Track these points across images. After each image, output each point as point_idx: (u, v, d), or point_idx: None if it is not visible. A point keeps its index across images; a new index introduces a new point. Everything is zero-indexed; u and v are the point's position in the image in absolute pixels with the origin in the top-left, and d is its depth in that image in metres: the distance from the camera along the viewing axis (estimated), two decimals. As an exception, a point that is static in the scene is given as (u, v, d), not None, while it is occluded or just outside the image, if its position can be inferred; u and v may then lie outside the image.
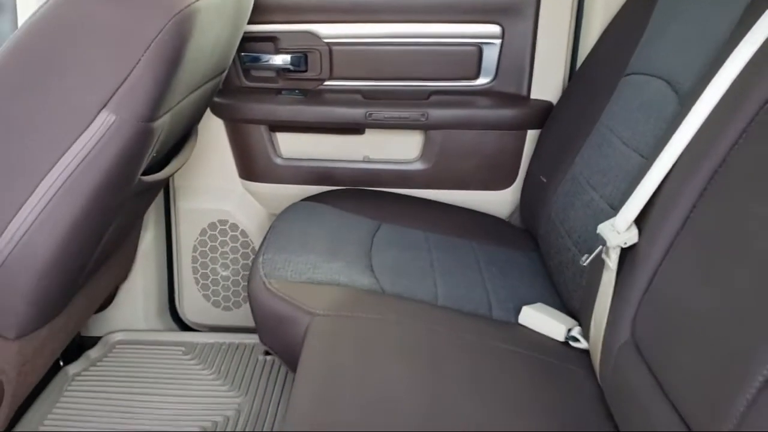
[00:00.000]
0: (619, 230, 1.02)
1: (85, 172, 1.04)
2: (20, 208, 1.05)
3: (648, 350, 0.90)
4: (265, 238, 1.45)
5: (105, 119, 1.01)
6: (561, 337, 1.20)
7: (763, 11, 0.96)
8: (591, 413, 1.00)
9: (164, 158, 1.42)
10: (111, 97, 1.01)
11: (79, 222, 1.09)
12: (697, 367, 0.78)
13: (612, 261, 1.03)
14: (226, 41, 1.36)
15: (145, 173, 1.25)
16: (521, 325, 1.24)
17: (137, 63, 1.00)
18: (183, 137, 1.52)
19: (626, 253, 1.02)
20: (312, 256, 1.34)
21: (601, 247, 1.05)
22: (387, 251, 1.42)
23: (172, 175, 1.42)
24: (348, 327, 1.11)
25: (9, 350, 1.17)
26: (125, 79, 1.01)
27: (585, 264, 1.06)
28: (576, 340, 1.19)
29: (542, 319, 1.22)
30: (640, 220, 1.01)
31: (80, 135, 1.01)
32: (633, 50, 1.40)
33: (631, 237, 1.00)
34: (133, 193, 1.21)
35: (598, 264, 1.08)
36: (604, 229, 1.05)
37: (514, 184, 1.77)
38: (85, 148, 1.02)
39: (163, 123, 1.13)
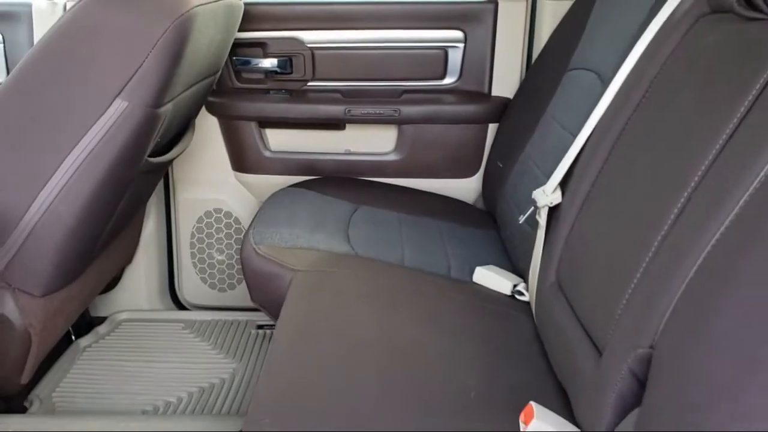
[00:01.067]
0: (547, 193, 1.23)
1: (103, 150, 1.24)
2: (47, 182, 1.25)
3: (566, 285, 1.11)
4: (255, 216, 1.65)
5: (119, 105, 1.22)
6: (508, 291, 1.40)
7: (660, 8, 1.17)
8: (524, 342, 1.20)
9: (167, 146, 1.63)
10: (124, 87, 1.22)
11: (97, 194, 1.29)
12: (593, 288, 0.98)
13: (542, 219, 1.24)
14: (218, 44, 1.57)
15: (150, 156, 1.45)
16: (475, 283, 1.44)
17: (146, 58, 1.21)
18: (182, 129, 1.72)
19: (553, 212, 1.23)
20: (296, 230, 1.55)
21: (532, 208, 1.26)
22: (362, 227, 1.63)
23: (173, 159, 1.63)
24: (325, 280, 1.31)
25: (36, 306, 1.36)
26: (135, 72, 1.22)
27: (521, 222, 1.27)
28: (521, 294, 1.39)
29: (492, 277, 1.43)
30: (564, 184, 1.22)
31: (98, 118, 1.22)
32: (574, 49, 1.62)
33: (556, 197, 1.21)
34: (141, 171, 1.42)
35: (534, 224, 1.29)
36: (536, 193, 1.26)
37: (478, 173, 1.98)
38: (103, 130, 1.23)
39: (166, 110, 1.34)
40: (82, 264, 1.43)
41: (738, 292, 0.66)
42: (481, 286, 1.43)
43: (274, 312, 1.40)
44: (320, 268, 1.36)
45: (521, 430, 0.92)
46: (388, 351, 1.11)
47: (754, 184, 0.72)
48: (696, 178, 0.83)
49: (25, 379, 1.43)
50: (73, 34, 1.23)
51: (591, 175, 1.14)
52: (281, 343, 1.13)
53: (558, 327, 1.09)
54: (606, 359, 0.88)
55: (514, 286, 1.40)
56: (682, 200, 0.84)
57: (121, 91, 1.22)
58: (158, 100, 1.27)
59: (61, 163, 1.24)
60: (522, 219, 1.27)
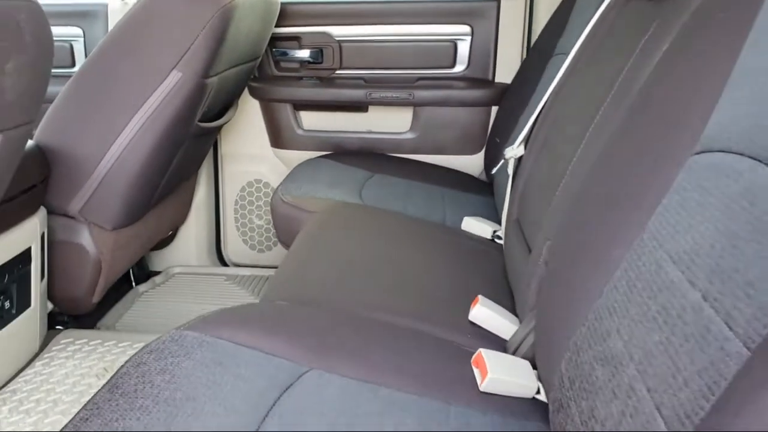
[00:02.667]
0: (514, 148, 1.51)
1: (162, 112, 1.58)
2: (118, 137, 1.59)
3: (521, 218, 1.39)
4: (286, 176, 1.97)
5: (175, 76, 1.55)
6: (488, 235, 1.68)
7: None
8: (493, 269, 1.47)
9: (215, 118, 1.96)
10: (179, 61, 1.55)
11: (156, 148, 1.63)
12: (532, 210, 1.26)
13: (510, 170, 1.52)
14: (257, 34, 1.90)
15: (200, 122, 1.79)
16: (463, 230, 1.72)
17: (196, 38, 1.54)
18: (227, 105, 2.06)
19: (518, 163, 1.51)
20: (316, 185, 1.86)
21: (503, 161, 1.54)
22: (374, 188, 1.93)
23: (219, 127, 1.96)
24: (336, 218, 1.61)
25: (106, 239, 1.71)
26: (188, 49, 1.55)
27: (493, 173, 1.55)
28: (499, 238, 1.67)
29: (477, 225, 1.71)
30: (528, 140, 1.50)
31: (158, 86, 1.56)
32: (559, 38, 1.89)
33: (520, 151, 1.49)
34: (192, 135, 1.75)
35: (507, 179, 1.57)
36: (507, 150, 1.54)
37: (483, 150, 2.26)
38: (162, 95, 1.56)
39: (212, 82, 1.67)
40: (143, 207, 1.77)
41: (606, 188, 0.94)
42: (468, 232, 1.71)
43: (295, 249, 1.71)
44: (333, 211, 1.66)
45: (470, 314, 1.20)
46: (381, 263, 1.40)
47: (623, 115, 1.00)
48: (594, 123, 1.11)
49: (96, 299, 1.77)
50: (140, 20, 1.57)
51: (543, 130, 1.41)
52: (293, 253, 1.43)
53: (512, 251, 1.37)
54: (531, 256, 1.16)
55: (494, 231, 1.68)
56: (586, 137, 1.12)
57: (177, 64, 1.56)
58: (206, 72, 1.60)
59: (129, 121, 1.58)
60: (494, 170, 1.55)
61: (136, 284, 2.26)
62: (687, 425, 0.57)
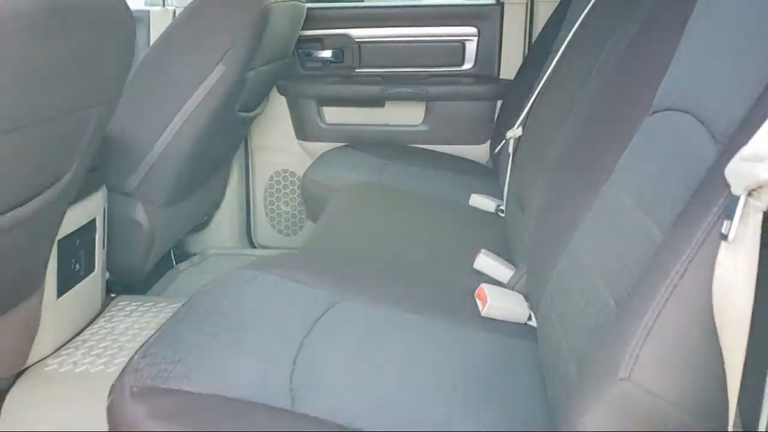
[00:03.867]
0: (514, 129, 1.74)
1: (208, 100, 1.82)
2: (170, 122, 1.84)
3: (519, 188, 1.62)
4: (313, 162, 2.22)
5: (220, 69, 1.80)
6: (493, 209, 1.90)
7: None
8: (494, 236, 1.70)
9: (250, 110, 2.22)
10: (223, 56, 1.80)
11: (202, 133, 1.87)
12: (527, 176, 1.49)
13: (510, 149, 1.75)
14: (287, 34, 2.14)
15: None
16: (470, 206, 1.95)
17: (239, 37, 1.79)
18: (260, 99, 2.31)
19: (517, 143, 1.74)
20: (340, 170, 2.10)
21: (504, 141, 1.78)
22: (390, 173, 2.16)
23: (255, 116, 2.21)
24: (358, 195, 1.85)
25: (158, 215, 1.95)
26: (231, 46, 1.80)
27: (495, 152, 1.79)
28: (502, 211, 1.89)
29: (483, 201, 1.93)
30: (525, 123, 1.73)
31: (206, 78, 1.80)
32: (555, 36, 2.12)
33: (518, 132, 1.72)
34: (232, 122, 2.00)
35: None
36: (508, 132, 1.78)
37: (489, 140, 2.49)
38: (209, 86, 1.81)
39: (250, 75, 1.92)
40: (190, 187, 2.02)
41: (581, 153, 1.17)
42: (475, 206, 1.94)
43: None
44: (354, 190, 1.90)
45: (474, 262, 1.43)
46: (397, 228, 1.64)
47: (594, 92, 1.23)
48: (573, 104, 1.34)
49: (147, 268, 2.01)
50: (189, 21, 1.82)
51: (537, 114, 1.65)
52: (323, 222, 1.67)
53: (510, 216, 1.60)
54: (524, 215, 1.39)
55: (497, 206, 1.91)
56: (568, 117, 1.35)
57: (221, 59, 1.80)
58: (246, 66, 1.85)
59: (180, 109, 1.83)
60: (497, 149, 1.79)
61: (177, 263, 2.50)
62: (626, 296, 0.80)
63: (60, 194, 1.32)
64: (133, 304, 1.94)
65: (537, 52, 2.23)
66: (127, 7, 1.18)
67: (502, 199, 2.02)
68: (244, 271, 1.26)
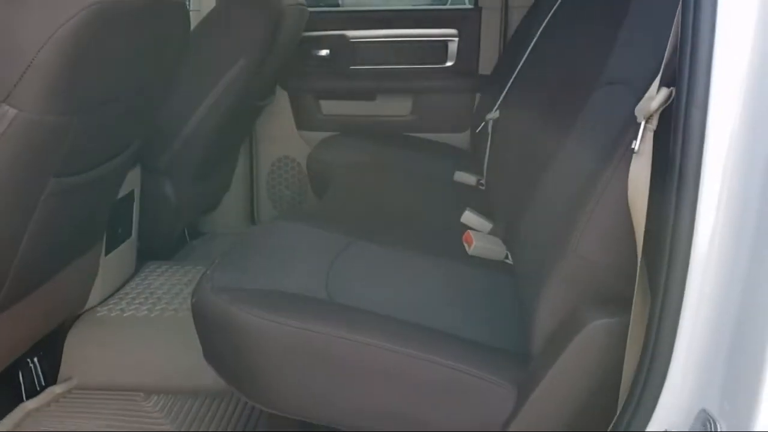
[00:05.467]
0: (492, 112, 2.06)
1: (230, 89, 2.12)
2: (198, 108, 2.12)
3: (496, 162, 1.94)
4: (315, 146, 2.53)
5: (241, 62, 2.10)
6: (474, 183, 2.22)
7: None
8: (480, 201, 2.01)
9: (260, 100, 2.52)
10: (244, 51, 2.10)
11: (224, 118, 2.17)
12: (502, 150, 1.81)
13: (489, 130, 2.07)
14: (293, 33, 2.45)
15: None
16: (455, 181, 2.26)
17: (258, 34, 2.09)
18: (268, 93, 2.61)
19: (495, 124, 2.06)
20: (339, 151, 2.41)
21: (483, 123, 2.10)
22: (383, 156, 2.47)
23: (265, 105, 2.51)
24: (356, 172, 2.16)
25: (185, 192, 2.23)
26: (251, 42, 2.10)
27: (477, 132, 2.11)
28: (482, 184, 2.21)
29: (465, 176, 2.25)
30: (501, 106, 2.05)
31: (229, 69, 2.10)
32: (527, 36, 2.44)
33: (497, 114, 2.04)
34: (246, 110, 2.29)
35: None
36: (488, 115, 2.09)
37: (469, 129, 2.81)
38: (232, 76, 2.10)
39: (265, 70, 2.22)
40: (209, 168, 2.31)
41: (543, 124, 1.49)
42: (459, 182, 2.26)
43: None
44: (353, 168, 2.21)
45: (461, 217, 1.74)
46: (392, 195, 1.95)
47: (554, 78, 1.55)
48: (538, 87, 1.66)
49: (172, 238, 2.30)
50: (214, 21, 2.12)
51: (511, 98, 1.97)
52: (331, 192, 1.98)
53: (490, 184, 1.92)
54: (503, 180, 1.71)
55: (478, 180, 2.23)
56: (535, 98, 1.67)
57: (243, 53, 2.10)
58: (261, 61, 2.15)
59: (206, 96, 2.12)
60: (478, 129, 2.11)
61: (191, 239, 2.79)
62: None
63: (125, 160, 1.61)
64: (163, 266, 2.22)
65: (510, 50, 2.55)
66: (185, 7, 1.48)
67: (482, 175, 2.34)
68: (277, 221, 1.56)
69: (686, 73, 0.79)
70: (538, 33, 1.99)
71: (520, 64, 2.03)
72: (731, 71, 0.77)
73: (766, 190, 0.76)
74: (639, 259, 0.89)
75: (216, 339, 1.16)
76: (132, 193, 2.05)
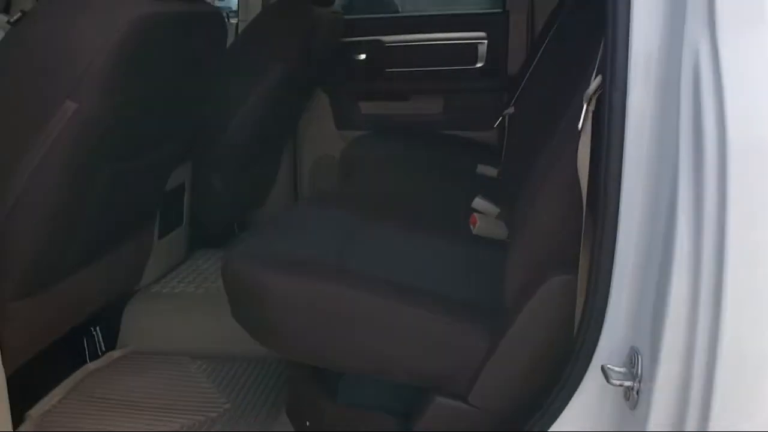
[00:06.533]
0: (509, 108, 2.22)
1: (270, 90, 2.34)
2: (242, 106, 2.35)
3: (510, 153, 2.10)
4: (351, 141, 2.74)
5: (279, 66, 2.31)
6: (495, 175, 2.38)
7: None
8: (496, 189, 2.18)
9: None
10: (282, 56, 2.32)
11: (264, 117, 2.39)
12: (515, 141, 1.97)
13: (506, 124, 2.23)
14: (328, 39, 2.66)
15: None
16: (477, 173, 2.42)
17: (294, 42, 2.31)
18: (307, 96, 2.84)
19: (511, 118, 2.22)
20: (372, 145, 2.61)
21: (500, 118, 2.26)
22: (415, 150, 2.66)
23: (304, 108, 2.73)
24: (383, 163, 2.35)
25: (231, 181, 2.46)
26: (289, 49, 2.31)
27: (495, 127, 2.27)
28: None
29: (486, 168, 2.40)
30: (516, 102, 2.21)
31: (269, 74, 2.32)
32: (546, 38, 2.59)
33: (511, 110, 2.20)
34: (286, 110, 2.51)
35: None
36: (506, 111, 2.25)
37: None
38: (272, 81, 2.32)
39: (301, 73, 2.43)
40: (256, 163, 2.54)
41: (543, 118, 1.65)
42: (481, 174, 2.42)
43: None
44: (381, 158, 2.41)
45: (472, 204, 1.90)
46: (413, 182, 2.13)
47: (555, 78, 1.71)
48: (545, 87, 1.81)
49: (219, 228, 2.54)
50: (257, 28, 2.35)
51: (525, 95, 2.12)
52: (353, 177, 2.17)
53: (505, 172, 2.08)
54: (514, 167, 1.87)
55: (499, 171, 2.38)
56: (547, 94, 1.82)
57: (281, 58, 2.32)
58: (299, 65, 2.36)
59: (248, 97, 2.34)
60: (496, 124, 2.27)
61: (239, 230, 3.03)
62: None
63: (169, 152, 1.84)
64: (210, 252, 2.46)
65: (534, 50, 2.70)
66: (222, 17, 1.71)
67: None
68: (300, 204, 1.76)
69: (608, 63, 0.95)
70: (549, 36, 2.14)
71: (533, 64, 2.19)
72: (645, 60, 0.93)
73: (678, 154, 0.91)
74: (583, 222, 1.06)
75: (240, 298, 1.36)
76: (183, 184, 2.28)
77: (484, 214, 1.79)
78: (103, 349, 1.97)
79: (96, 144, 1.36)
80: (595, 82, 1.01)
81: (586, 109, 1.03)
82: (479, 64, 2.98)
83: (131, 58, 1.29)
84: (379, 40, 3.00)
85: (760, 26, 0.84)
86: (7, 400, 1.25)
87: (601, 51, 1.01)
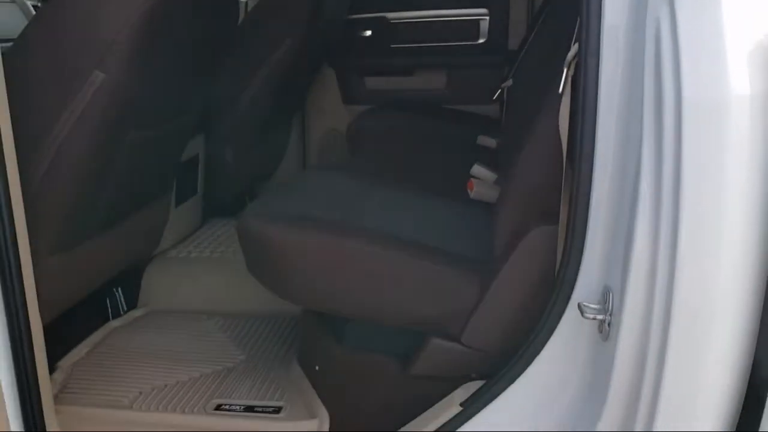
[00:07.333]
0: (508, 81, 2.33)
1: (280, 65, 2.45)
2: (251, 82, 2.46)
3: (507, 124, 2.21)
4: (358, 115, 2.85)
5: (287, 41, 2.42)
6: (494, 145, 2.49)
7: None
8: (493, 158, 2.29)
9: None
10: (289, 33, 2.43)
11: (276, 89, 2.50)
12: (511, 112, 2.08)
13: (504, 96, 2.34)
14: (335, 16, 2.76)
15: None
16: (477, 143, 2.54)
17: (300, 17, 2.42)
18: (314, 70, 2.94)
19: (509, 90, 2.32)
20: (378, 119, 2.72)
21: (499, 90, 2.36)
22: (420, 122, 2.77)
23: (311, 82, 2.84)
24: (391, 135, 2.46)
25: (240, 156, 2.58)
26: (295, 25, 2.42)
27: (494, 99, 2.38)
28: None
29: (486, 139, 2.52)
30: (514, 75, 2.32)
31: (278, 48, 2.43)
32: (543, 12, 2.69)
33: (509, 82, 2.31)
34: (294, 84, 2.63)
35: (504, 102, 2.39)
36: (504, 84, 2.36)
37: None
38: (280, 55, 2.43)
39: (308, 48, 2.55)
40: (266, 136, 2.66)
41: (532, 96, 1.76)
42: (481, 145, 2.53)
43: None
44: (382, 130, 2.52)
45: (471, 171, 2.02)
46: (415, 153, 2.24)
47: (543, 52, 1.81)
48: (536, 61, 1.92)
49: (232, 198, 2.66)
50: (263, 7, 2.46)
51: (520, 68, 2.23)
52: (367, 150, 2.29)
53: (502, 142, 2.19)
54: (509, 137, 1.99)
55: (498, 142, 2.49)
56: (538, 67, 1.93)
57: (287, 35, 2.43)
58: (305, 41, 2.47)
59: (257, 73, 2.45)
60: (495, 96, 2.38)
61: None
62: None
63: (185, 123, 1.96)
64: (223, 221, 2.59)
65: (532, 26, 2.80)
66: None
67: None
68: (308, 171, 1.88)
69: (584, 32, 1.06)
70: (545, 11, 2.24)
71: (530, 39, 2.29)
72: (614, 31, 1.05)
73: (642, 113, 1.03)
74: (563, 176, 1.17)
75: (253, 252, 1.49)
76: (197, 156, 2.41)
77: (482, 180, 1.90)
78: (125, 308, 2.11)
79: (121, 111, 1.48)
80: (573, 50, 1.12)
81: (566, 74, 1.14)
82: (481, 40, 3.07)
83: (154, 31, 1.41)
84: (384, 17, 3.09)
85: (712, 2, 0.95)
86: (44, 348, 1.38)
87: (577, 24, 1.12)
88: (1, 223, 1.19)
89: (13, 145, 1.20)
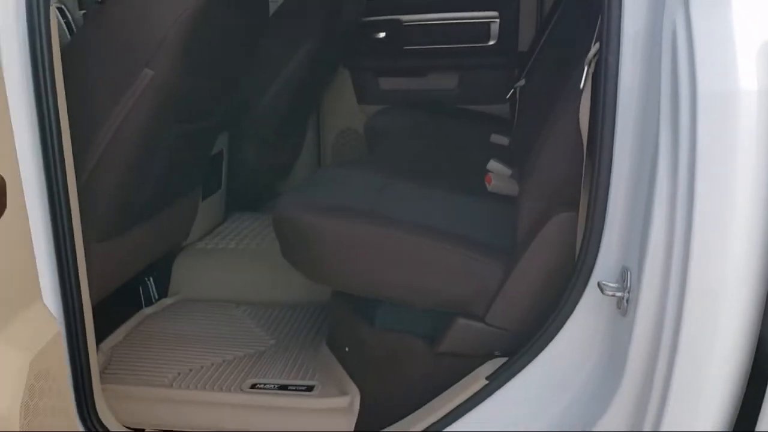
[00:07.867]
0: (520, 81, 2.43)
1: (300, 65, 2.55)
2: (274, 81, 2.56)
3: (521, 123, 2.31)
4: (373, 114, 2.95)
5: (307, 44, 2.52)
6: (507, 143, 2.59)
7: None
8: (507, 155, 2.39)
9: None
10: (308, 36, 2.53)
11: (296, 89, 2.60)
12: (524, 110, 2.18)
13: (517, 96, 2.44)
14: (351, 19, 2.87)
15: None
16: (491, 142, 2.63)
17: (319, 20, 2.52)
18: (331, 71, 3.05)
19: (522, 90, 2.42)
20: (393, 118, 2.82)
21: (512, 90, 2.46)
22: (432, 121, 2.87)
23: (329, 82, 2.94)
24: (406, 131, 2.56)
25: (261, 154, 2.68)
26: (316, 28, 2.52)
27: (507, 98, 2.48)
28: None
29: (499, 138, 2.62)
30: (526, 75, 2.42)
31: (297, 51, 2.53)
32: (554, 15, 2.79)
33: (522, 82, 2.41)
34: (313, 84, 2.73)
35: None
36: (516, 83, 2.46)
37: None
38: (300, 57, 2.53)
39: (326, 48, 2.65)
40: (284, 135, 2.76)
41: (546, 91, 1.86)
42: (494, 143, 2.63)
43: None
44: (403, 129, 2.62)
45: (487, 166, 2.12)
46: (434, 148, 2.34)
47: (556, 53, 1.91)
48: (550, 62, 2.02)
49: (254, 194, 2.76)
50: (284, 11, 2.56)
51: (534, 68, 2.33)
52: (384, 145, 2.39)
53: (515, 140, 2.29)
54: (524, 134, 2.09)
55: (510, 140, 2.59)
56: (555, 66, 2.03)
57: (308, 38, 2.53)
58: (324, 42, 2.57)
59: (280, 73, 2.56)
60: (508, 95, 2.48)
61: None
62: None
63: (217, 119, 2.06)
64: (246, 215, 2.69)
65: (542, 28, 2.90)
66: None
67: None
68: (332, 165, 1.98)
69: (605, 31, 1.16)
70: (556, 14, 2.34)
71: (542, 40, 2.39)
72: (634, 33, 1.15)
73: (660, 107, 1.12)
74: (584, 166, 1.27)
75: (288, 238, 1.59)
76: (222, 152, 2.51)
77: (498, 174, 2.00)
78: (156, 296, 2.21)
79: (166, 107, 1.58)
80: (593, 48, 1.22)
81: (587, 71, 1.24)
82: (492, 42, 3.17)
83: (199, 30, 1.51)
84: (397, 20, 3.19)
85: (724, 4, 1.05)
86: (93, 329, 1.48)
87: (599, 24, 1.22)
88: (60, 213, 1.28)
89: (70, 142, 1.30)
